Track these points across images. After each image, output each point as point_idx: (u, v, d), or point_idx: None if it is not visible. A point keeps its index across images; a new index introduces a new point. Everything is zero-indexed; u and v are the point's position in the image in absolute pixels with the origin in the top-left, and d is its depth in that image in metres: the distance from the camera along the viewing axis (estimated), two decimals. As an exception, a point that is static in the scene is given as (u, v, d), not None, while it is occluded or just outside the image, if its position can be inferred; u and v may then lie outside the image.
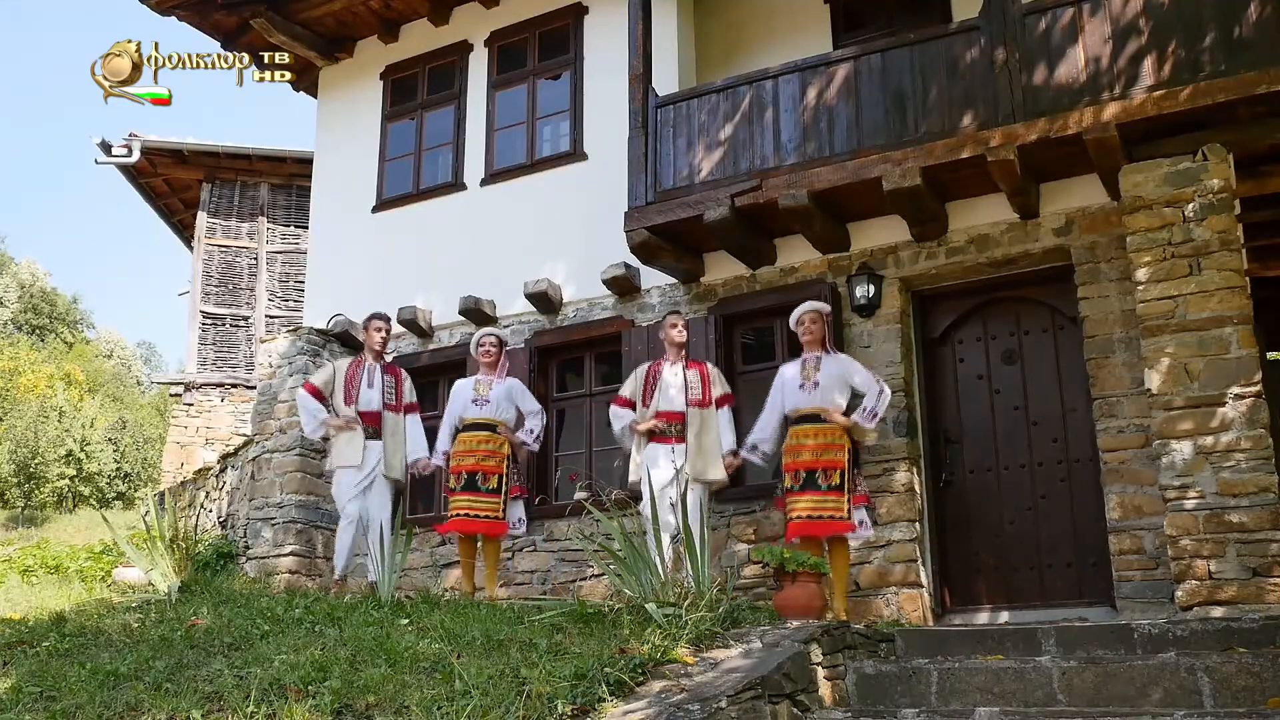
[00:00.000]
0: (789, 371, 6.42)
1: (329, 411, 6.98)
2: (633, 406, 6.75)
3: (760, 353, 7.82)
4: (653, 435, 6.59)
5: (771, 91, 7.29)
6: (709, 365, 6.89)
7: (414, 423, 7.17)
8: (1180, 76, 6.05)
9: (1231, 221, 5.99)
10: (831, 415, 6.15)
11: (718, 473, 6.50)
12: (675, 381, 6.67)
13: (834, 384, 6.22)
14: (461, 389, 7.11)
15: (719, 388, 6.73)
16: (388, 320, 7.36)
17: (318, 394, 6.99)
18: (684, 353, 6.84)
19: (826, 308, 6.58)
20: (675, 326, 6.81)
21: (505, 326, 8.63)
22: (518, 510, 6.91)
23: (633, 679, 3.72)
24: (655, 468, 6.44)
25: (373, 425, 6.97)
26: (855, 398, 6.27)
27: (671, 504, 6.15)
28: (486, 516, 6.73)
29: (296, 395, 7.36)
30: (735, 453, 6.57)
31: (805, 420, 6.21)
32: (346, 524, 6.86)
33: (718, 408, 6.65)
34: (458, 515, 6.74)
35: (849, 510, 5.99)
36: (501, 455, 6.86)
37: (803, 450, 6.15)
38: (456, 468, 6.85)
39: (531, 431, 7.06)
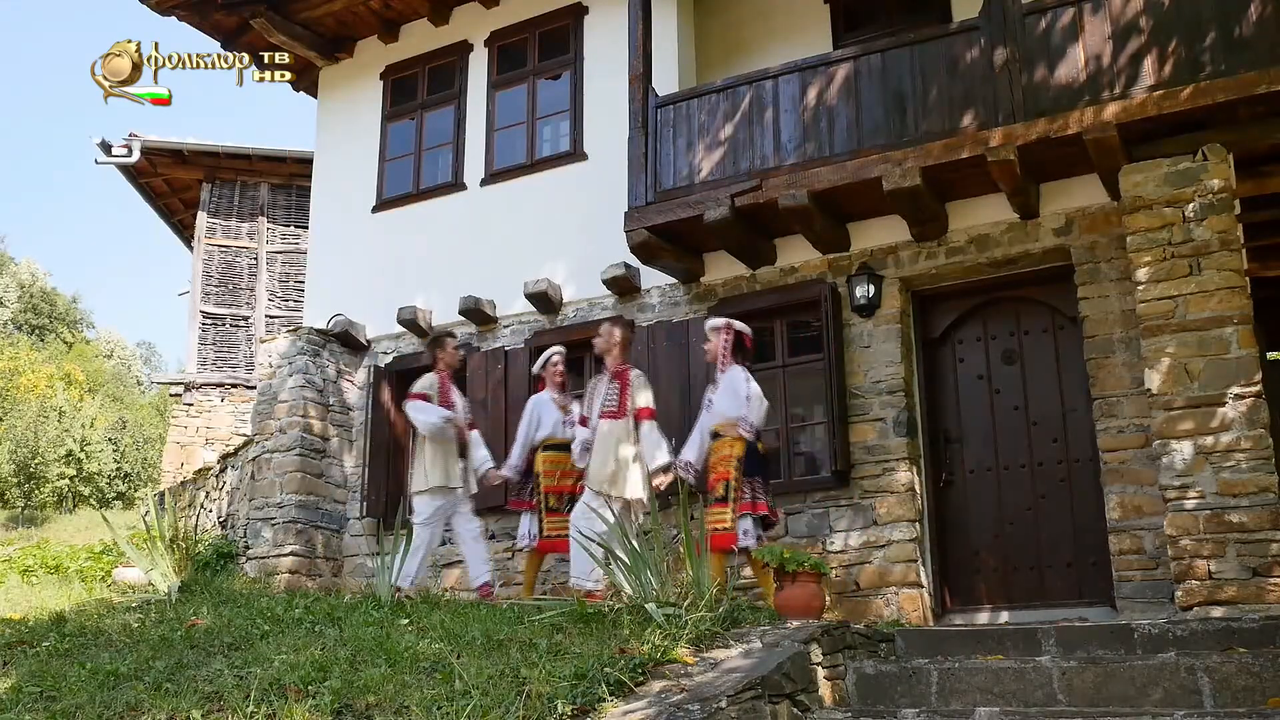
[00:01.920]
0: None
1: None
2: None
3: (760, 353, 7.81)
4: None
5: (771, 91, 7.29)
6: (633, 373, 6.71)
7: (477, 437, 7.21)
8: (1180, 76, 6.05)
9: (1231, 221, 5.99)
10: (725, 430, 6.25)
11: (632, 491, 6.36)
12: (599, 394, 6.67)
13: (727, 399, 6.27)
14: (544, 408, 7.06)
15: (640, 400, 6.56)
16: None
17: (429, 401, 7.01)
18: (618, 362, 6.71)
19: (720, 322, 6.52)
20: (598, 336, 6.84)
21: (505, 327, 8.65)
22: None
23: (633, 679, 3.71)
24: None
25: (462, 443, 7.03)
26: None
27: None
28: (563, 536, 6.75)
29: (411, 405, 7.01)
30: (666, 469, 6.45)
31: (712, 437, 6.35)
32: (418, 545, 6.72)
33: (638, 421, 6.51)
34: (558, 535, 6.73)
35: (733, 521, 6.04)
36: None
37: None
38: (558, 487, 6.89)
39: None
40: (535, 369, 7.36)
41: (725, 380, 6.32)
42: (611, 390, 6.59)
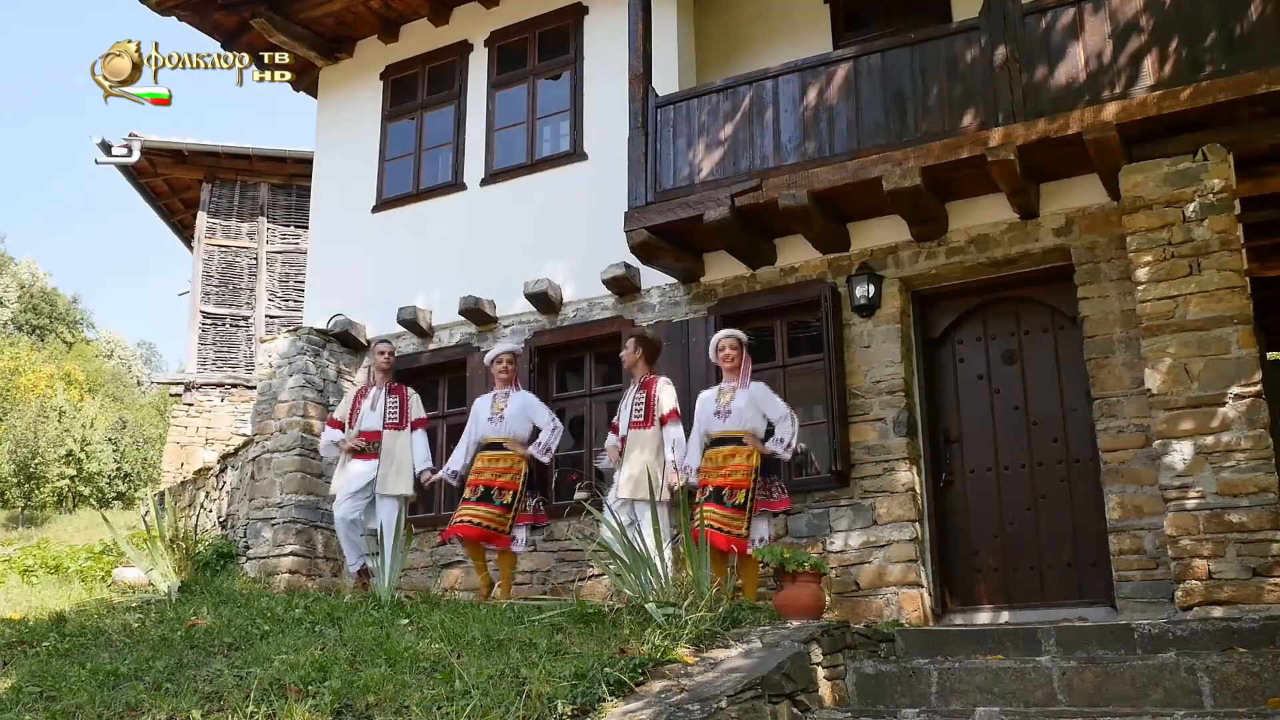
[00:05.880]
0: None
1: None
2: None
3: (760, 353, 7.81)
4: None
5: (771, 91, 7.29)
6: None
7: (418, 437, 7.47)
8: (1180, 76, 6.05)
9: (1231, 221, 5.99)
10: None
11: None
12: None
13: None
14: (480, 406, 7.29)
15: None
16: (387, 343, 7.81)
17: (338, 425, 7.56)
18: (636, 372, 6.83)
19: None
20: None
21: (505, 327, 8.65)
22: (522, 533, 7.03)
23: (633, 679, 3.72)
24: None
25: (374, 442, 7.36)
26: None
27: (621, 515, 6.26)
28: (488, 526, 6.71)
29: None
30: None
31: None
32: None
33: (662, 425, 6.55)
34: (460, 521, 6.74)
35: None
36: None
37: None
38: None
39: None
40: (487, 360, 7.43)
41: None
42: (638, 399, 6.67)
